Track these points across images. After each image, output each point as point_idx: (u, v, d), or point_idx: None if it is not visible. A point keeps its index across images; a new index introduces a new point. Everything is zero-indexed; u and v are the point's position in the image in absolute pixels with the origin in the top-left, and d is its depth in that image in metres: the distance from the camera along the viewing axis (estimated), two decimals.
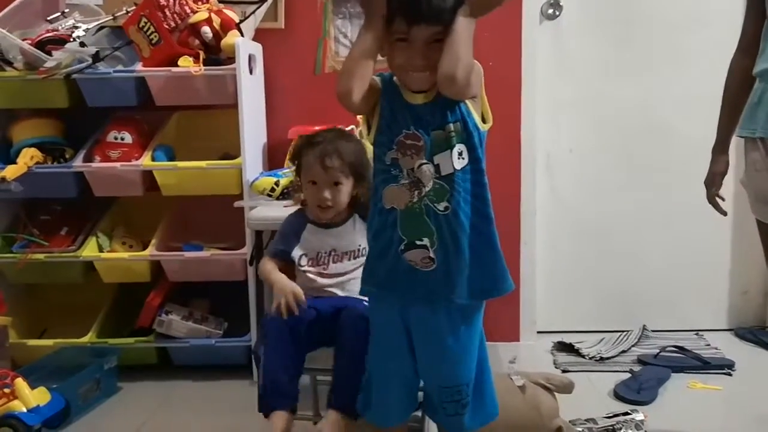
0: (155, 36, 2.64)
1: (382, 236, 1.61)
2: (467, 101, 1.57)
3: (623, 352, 2.99)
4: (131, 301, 2.89)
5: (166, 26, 2.64)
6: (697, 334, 3.20)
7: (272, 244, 2.18)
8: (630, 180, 3.21)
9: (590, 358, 2.94)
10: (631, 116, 3.17)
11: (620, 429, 2.27)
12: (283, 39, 2.99)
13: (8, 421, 2.25)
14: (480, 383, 1.74)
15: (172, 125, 2.94)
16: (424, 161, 1.55)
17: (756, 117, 1.84)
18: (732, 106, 2.02)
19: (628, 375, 2.73)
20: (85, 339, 2.76)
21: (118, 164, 2.73)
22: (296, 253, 2.08)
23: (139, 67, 2.72)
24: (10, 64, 2.72)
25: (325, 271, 2.06)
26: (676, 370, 2.77)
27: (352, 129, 2.73)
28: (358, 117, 2.43)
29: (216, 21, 2.71)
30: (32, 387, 2.35)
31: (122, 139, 2.77)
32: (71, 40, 2.69)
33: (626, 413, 2.36)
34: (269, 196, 2.62)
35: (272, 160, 2.96)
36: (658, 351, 2.92)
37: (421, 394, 1.82)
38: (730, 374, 2.79)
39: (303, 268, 2.07)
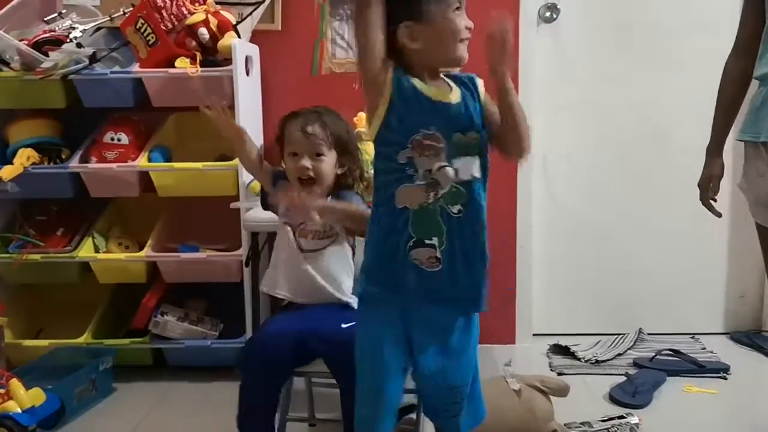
0: (152, 37, 2.64)
1: (393, 237, 1.56)
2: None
3: (619, 355, 2.99)
4: (127, 302, 2.89)
5: (163, 27, 2.64)
6: (693, 338, 3.20)
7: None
8: (627, 184, 3.21)
9: (586, 361, 2.94)
10: (628, 120, 3.18)
11: None
12: (280, 40, 3.00)
13: (3, 421, 2.25)
14: (474, 383, 1.74)
15: (168, 126, 2.94)
16: (444, 163, 1.53)
17: (760, 121, 1.83)
18: (728, 107, 2.02)
19: (624, 378, 2.73)
20: (80, 339, 2.76)
21: (114, 165, 2.73)
22: (283, 206, 1.99)
23: (136, 68, 2.73)
24: (7, 64, 2.72)
25: (295, 236, 1.98)
26: (672, 374, 2.78)
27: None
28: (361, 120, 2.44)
29: (213, 22, 2.72)
30: (27, 387, 2.35)
31: (119, 139, 2.77)
32: (68, 40, 2.70)
33: (621, 416, 2.38)
34: None
35: (268, 161, 2.95)
36: (653, 354, 2.92)
37: (408, 397, 1.80)
38: (725, 378, 2.80)
39: (283, 216, 2.00)
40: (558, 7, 3.09)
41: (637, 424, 2.32)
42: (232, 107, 2.64)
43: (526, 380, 2.27)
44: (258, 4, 2.88)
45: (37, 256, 2.76)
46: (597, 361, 2.93)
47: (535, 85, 3.08)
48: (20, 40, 2.70)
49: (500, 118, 1.59)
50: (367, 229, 1.64)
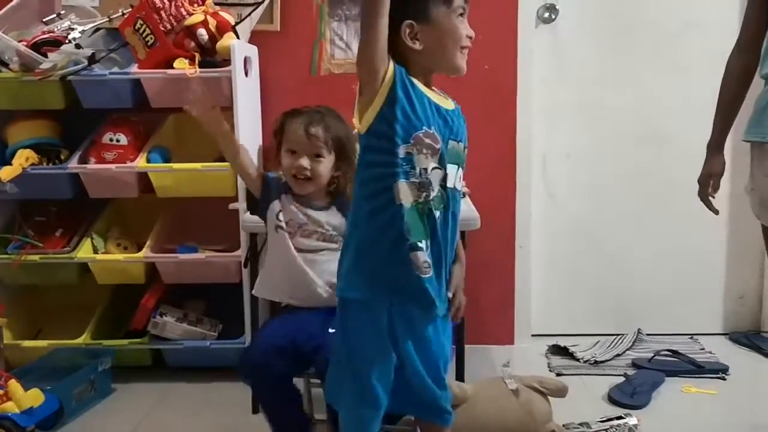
0: (151, 38, 2.64)
1: (388, 235, 1.55)
2: None
3: (617, 355, 2.99)
4: (126, 303, 2.89)
5: (162, 28, 2.64)
6: (691, 338, 3.20)
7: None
8: (626, 184, 3.21)
9: (584, 362, 2.94)
10: (627, 120, 3.18)
11: None
12: (278, 41, 3.00)
13: (1, 422, 2.24)
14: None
15: (167, 127, 2.93)
16: (437, 165, 1.55)
17: (765, 121, 1.82)
18: (729, 105, 2.00)
19: (622, 379, 2.73)
20: (79, 340, 2.76)
21: (113, 166, 2.72)
22: (275, 206, 2.02)
23: (134, 69, 2.73)
24: (5, 65, 2.72)
25: (293, 238, 2.00)
26: (671, 375, 2.78)
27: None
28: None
29: (212, 23, 2.71)
30: (26, 388, 2.35)
31: (117, 140, 2.77)
32: (67, 41, 2.69)
33: (620, 417, 2.37)
34: None
35: (267, 162, 2.96)
36: (652, 355, 2.92)
37: None
38: (724, 379, 2.80)
39: (279, 223, 2.01)
40: (556, 7, 3.09)
41: (635, 425, 2.32)
42: (231, 108, 2.64)
43: (524, 381, 2.27)
44: (257, 5, 2.88)
45: (36, 257, 2.76)
46: (596, 362, 2.93)
47: (533, 86, 3.08)
48: (19, 41, 2.70)
49: None
50: (350, 228, 1.64)
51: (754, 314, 3.31)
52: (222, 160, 2.76)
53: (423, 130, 1.53)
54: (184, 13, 2.71)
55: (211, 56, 2.71)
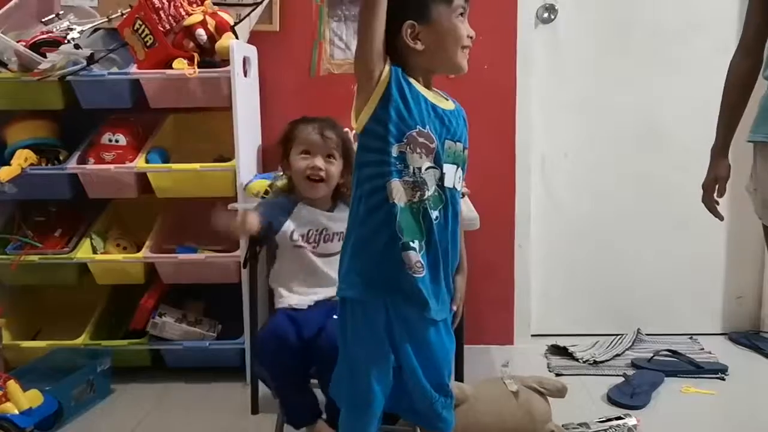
0: (150, 38, 2.64)
1: (381, 235, 1.55)
2: None
3: (617, 355, 2.99)
4: (125, 303, 2.89)
5: (161, 28, 2.64)
6: (691, 338, 3.20)
7: (260, 207, 2.15)
8: (625, 184, 3.21)
9: (584, 362, 2.94)
10: (626, 120, 3.18)
11: None
12: (278, 41, 2.99)
13: (0, 423, 2.24)
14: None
15: (166, 127, 2.93)
16: (433, 165, 1.55)
17: None
18: (734, 108, 1.96)
19: (622, 379, 2.72)
20: (78, 341, 2.76)
21: (112, 166, 2.72)
22: (287, 227, 2.08)
23: (133, 69, 2.73)
24: (4, 65, 2.72)
25: (314, 250, 2.08)
26: (670, 375, 2.78)
27: (346, 132, 2.74)
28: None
29: (211, 23, 2.71)
30: (25, 389, 2.35)
31: (116, 141, 2.77)
32: (66, 42, 2.69)
33: (619, 417, 2.38)
34: (263, 198, 2.62)
35: (266, 163, 2.96)
36: (651, 355, 2.92)
37: None
38: (723, 379, 2.80)
39: (295, 243, 2.07)
40: (556, 7, 3.09)
41: (635, 425, 2.32)
42: (230, 108, 2.64)
43: (523, 381, 2.27)
44: (256, 5, 2.87)
45: (35, 257, 2.75)
46: (595, 362, 2.93)
47: (533, 86, 3.08)
48: (18, 42, 2.70)
49: None
50: (348, 229, 1.64)
51: (752, 314, 3.31)
52: (220, 160, 2.77)
53: (417, 129, 1.53)
54: (183, 13, 2.71)
55: (210, 56, 2.72)
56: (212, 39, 2.71)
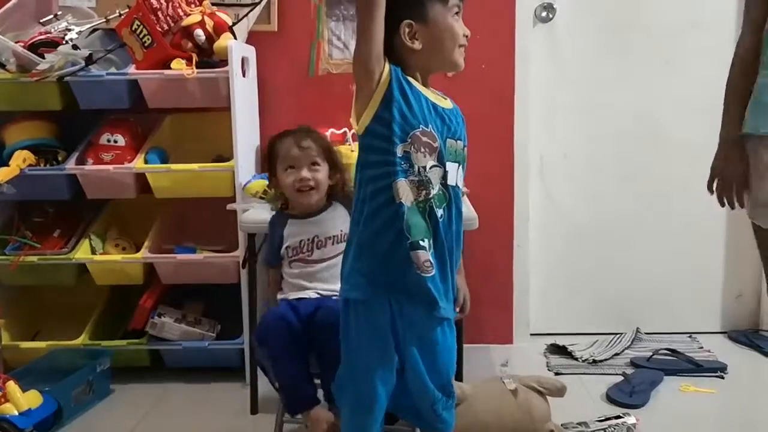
0: (148, 39, 2.64)
1: (388, 234, 1.55)
2: None
3: (616, 354, 2.99)
4: (124, 303, 2.89)
5: (159, 29, 2.64)
6: (690, 337, 3.20)
7: (264, 251, 2.26)
8: (624, 184, 3.21)
9: (583, 361, 2.94)
10: (625, 120, 3.18)
11: None
12: (276, 41, 2.99)
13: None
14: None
15: (165, 128, 2.93)
16: (436, 163, 1.56)
17: (762, 113, 1.76)
18: (743, 91, 1.85)
19: (621, 378, 2.72)
20: (77, 341, 2.76)
21: (110, 167, 2.72)
22: (282, 251, 2.15)
23: (132, 69, 2.72)
24: (3, 66, 2.72)
25: (309, 258, 2.11)
26: (669, 373, 2.78)
27: (345, 132, 2.74)
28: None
29: (209, 24, 2.71)
30: (24, 390, 2.35)
31: (115, 141, 2.77)
32: (64, 42, 2.69)
33: (618, 416, 2.37)
34: (262, 198, 2.62)
35: (265, 163, 2.95)
36: (650, 354, 2.92)
37: None
38: (722, 377, 2.79)
39: (291, 258, 2.13)
40: (554, 7, 3.09)
41: (634, 424, 2.32)
42: (228, 109, 2.64)
43: (523, 380, 2.27)
44: (254, 6, 2.87)
45: (34, 258, 2.75)
46: (594, 361, 2.93)
47: (531, 86, 3.08)
48: (16, 42, 2.70)
49: None
50: (351, 230, 1.64)
51: (752, 312, 3.31)
52: (219, 160, 2.77)
53: (420, 129, 1.53)
54: (181, 13, 2.71)
55: (209, 57, 2.72)
56: (210, 39, 2.71)
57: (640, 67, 3.14)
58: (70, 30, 2.75)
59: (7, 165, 2.68)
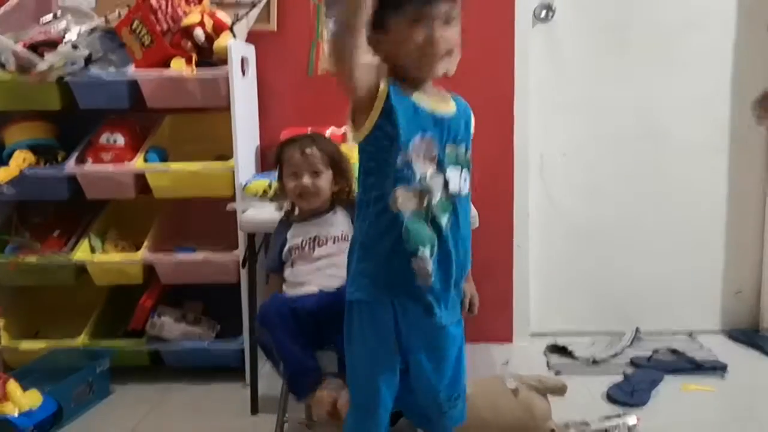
0: (147, 38, 2.64)
1: (389, 239, 1.55)
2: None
3: (616, 354, 2.99)
4: (124, 303, 2.89)
5: (159, 29, 2.64)
6: (690, 336, 3.20)
7: (268, 257, 2.27)
8: (623, 183, 3.21)
9: (583, 360, 2.94)
10: (624, 119, 3.17)
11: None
12: (275, 41, 2.99)
13: None
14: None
15: (164, 127, 2.93)
16: (436, 171, 1.55)
17: None
18: None
19: (621, 377, 2.72)
20: (77, 341, 2.76)
21: (110, 167, 2.73)
22: (284, 254, 2.18)
23: (131, 69, 2.72)
24: (2, 66, 2.71)
25: (310, 255, 2.13)
26: (669, 373, 2.77)
27: (345, 132, 2.74)
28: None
29: (209, 23, 2.71)
30: (24, 390, 2.35)
31: (114, 141, 2.77)
32: (63, 42, 2.68)
33: (619, 416, 2.37)
34: (264, 194, 2.61)
35: (265, 163, 2.96)
36: (651, 353, 2.92)
37: None
38: (722, 376, 2.79)
39: (291, 260, 2.15)
40: (553, 6, 3.09)
41: (634, 424, 2.32)
42: (228, 108, 2.64)
43: (523, 380, 2.27)
44: (254, 5, 2.87)
45: (34, 258, 2.75)
46: (594, 361, 2.93)
47: (530, 85, 3.08)
48: (16, 42, 2.70)
49: None
50: (355, 232, 1.65)
51: (751, 311, 3.31)
52: (219, 159, 2.77)
53: (419, 137, 1.53)
54: (181, 13, 2.71)
55: (208, 56, 2.71)
56: (210, 39, 2.71)
57: (639, 67, 3.14)
58: (69, 30, 2.75)
59: (7, 165, 2.68)
